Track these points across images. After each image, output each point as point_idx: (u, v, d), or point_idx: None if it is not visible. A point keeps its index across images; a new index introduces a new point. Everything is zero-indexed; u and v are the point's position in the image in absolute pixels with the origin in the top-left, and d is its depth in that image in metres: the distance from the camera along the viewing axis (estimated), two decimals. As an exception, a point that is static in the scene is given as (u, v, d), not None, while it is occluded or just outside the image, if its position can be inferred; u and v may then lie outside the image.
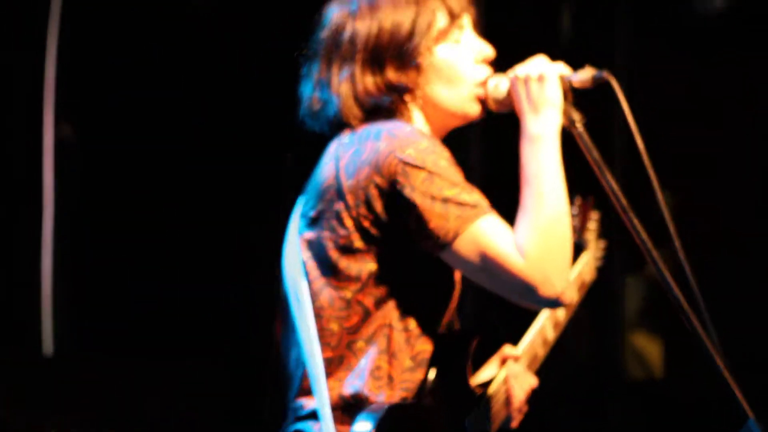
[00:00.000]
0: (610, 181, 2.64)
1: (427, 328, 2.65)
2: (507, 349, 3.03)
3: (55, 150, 4.54)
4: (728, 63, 5.34)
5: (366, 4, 2.72)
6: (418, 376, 2.64)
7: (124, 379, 4.43)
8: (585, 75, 2.69)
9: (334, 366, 2.61)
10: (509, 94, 2.71)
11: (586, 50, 5.33)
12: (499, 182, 3.17)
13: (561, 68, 2.71)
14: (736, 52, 5.36)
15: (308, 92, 2.75)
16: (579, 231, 3.43)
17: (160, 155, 4.76)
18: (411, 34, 2.68)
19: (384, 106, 2.69)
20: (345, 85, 2.69)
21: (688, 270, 2.62)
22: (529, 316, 3.18)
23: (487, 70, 2.76)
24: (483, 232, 2.55)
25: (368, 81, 2.68)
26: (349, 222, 2.60)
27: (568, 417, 5.42)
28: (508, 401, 2.92)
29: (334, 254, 2.61)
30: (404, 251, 2.59)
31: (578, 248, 3.41)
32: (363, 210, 2.58)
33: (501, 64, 2.79)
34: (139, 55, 4.71)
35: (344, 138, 2.68)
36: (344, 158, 2.63)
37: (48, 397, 4.25)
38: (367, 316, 2.61)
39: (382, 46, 2.68)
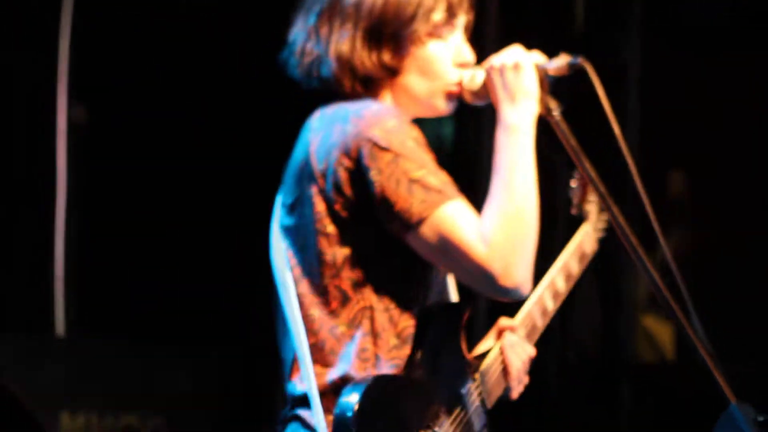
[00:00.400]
0: (588, 169, 2.65)
1: (409, 304, 2.63)
2: (503, 321, 2.96)
3: (67, 137, 4.62)
4: (739, 61, 5.34)
5: None
6: (406, 352, 2.62)
7: (132, 360, 4.50)
8: (560, 62, 2.68)
9: (318, 351, 2.60)
10: (485, 85, 2.71)
11: (597, 49, 5.32)
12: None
13: (536, 57, 2.70)
14: (753, 51, 5.35)
15: (300, 39, 2.72)
16: (578, 204, 3.41)
17: (168, 143, 4.84)
18: (413, 18, 2.67)
19: (371, 81, 2.69)
20: (343, 50, 2.66)
21: (669, 256, 2.64)
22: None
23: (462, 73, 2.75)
24: (447, 218, 2.53)
25: (365, 55, 2.66)
26: (321, 206, 2.59)
27: (577, 398, 5.44)
28: (505, 372, 2.85)
29: (309, 240, 2.61)
30: (376, 233, 2.58)
31: (579, 220, 3.41)
32: (333, 194, 2.57)
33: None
34: (149, 52, 4.79)
35: (314, 122, 2.67)
36: (314, 143, 2.62)
37: (59, 377, 4.34)
38: (346, 300, 2.60)
39: (385, 22, 2.66)
